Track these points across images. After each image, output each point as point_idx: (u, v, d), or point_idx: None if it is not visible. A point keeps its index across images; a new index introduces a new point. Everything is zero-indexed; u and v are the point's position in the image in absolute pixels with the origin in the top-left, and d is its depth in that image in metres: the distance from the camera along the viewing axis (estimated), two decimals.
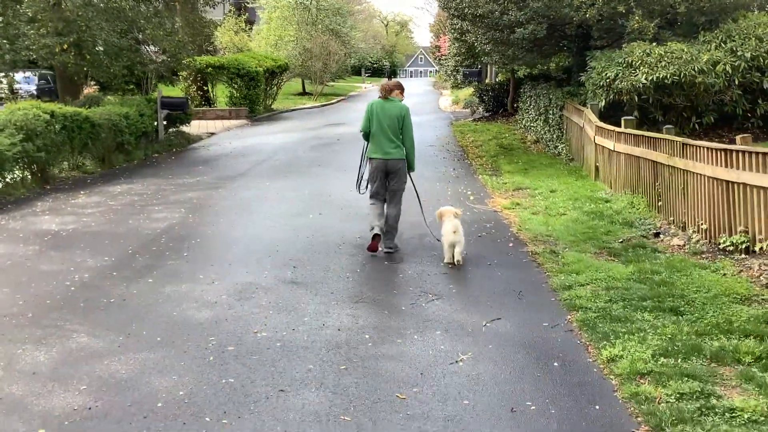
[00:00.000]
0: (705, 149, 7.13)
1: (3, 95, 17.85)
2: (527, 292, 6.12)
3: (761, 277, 5.93)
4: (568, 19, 14.12)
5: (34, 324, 5.38)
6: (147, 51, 18.29)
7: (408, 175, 7.64)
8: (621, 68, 11.70)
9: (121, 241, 7.93)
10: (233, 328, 5.26)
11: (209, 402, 4.11)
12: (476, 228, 8.46)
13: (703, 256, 6.85)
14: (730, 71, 11.35)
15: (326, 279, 6.52)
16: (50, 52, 15.29)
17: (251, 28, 40.03)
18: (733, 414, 3.80)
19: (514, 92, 22.89)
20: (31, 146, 11.22)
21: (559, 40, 16.43)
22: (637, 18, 12.64)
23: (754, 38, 11.68)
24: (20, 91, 23.09)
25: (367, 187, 7.67)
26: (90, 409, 4.04)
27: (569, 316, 5.47)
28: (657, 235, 7.87)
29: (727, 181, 6.66)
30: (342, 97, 38.43)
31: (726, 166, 6.66)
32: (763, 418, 3.74)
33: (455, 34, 24.47)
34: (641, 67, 11.42)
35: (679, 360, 4.48)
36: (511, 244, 7.74)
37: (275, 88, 29.81)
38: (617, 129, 10.14)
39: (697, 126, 11.99)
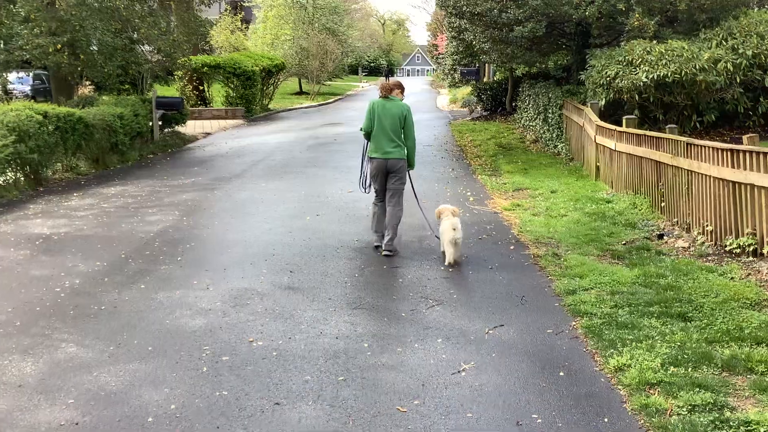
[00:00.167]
0: (711, 149, 6.97)
1: None
2: (530, 297, 5.96)
3: None
4: (567, 17, 13.98)
5: (22, 333, 5.21)
6: (142, 50, 18.10)
7: (407, 175, 7.62)
8: (621, 66, 11.55)
9: (113, 245, 7.75)
10: (228, 337, 5.09)
11: (202, 416, 3.94)
12: (476, 230, 8.30)
13: (709, 258, 6.70)
14: (732, 69, 11.20)
15: (324, 284, 6.36)
16: (44, 52, 15.10)
17: (247, 27, 39.82)
18: (749, 428, 3.64)
19: (512, 91, 22.75)
20: (24, 147, 11.04)
21: (558, 39, 16.29)
22: (637, 15, 12.49)
23: (755, 36, 11.52)
24: (15, 92, 22.91)
25: (370, 185, 7.63)
26: (77, 424, 3.87)
27: (574, 322, 5.31)
28: (661, 236, 7.71)
29: (734, 182, 6.51)
30: (339, 97, 38.26)
31: (733, 167, 6.50)
32: None
33: (453, 33, 24.33)
34: (642, 66, 11.27)
35: (690, 369, 4.33)
36: (512, 247, 7.58)
37: (272, 87, 29.64)
38: (618, 128, 9.99)
39: (698, 125, 11.84)
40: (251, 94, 25.25)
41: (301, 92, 38.00)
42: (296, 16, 38.65)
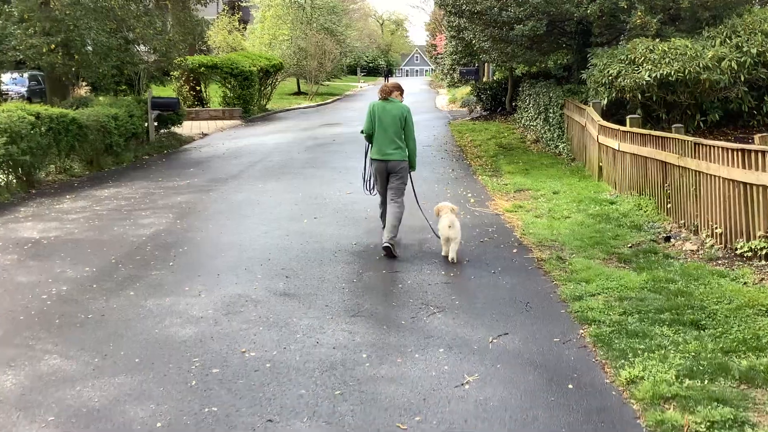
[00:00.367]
0: (720, 149, 6.74)
1: None
2: (534, 303, 5.73)
3: None
4: (568, 16, 13.76)
5: (5, 343, 4.98)
6: (137, 50, 17.86)
7: (408, 175, 7.67)
8: (623, 65, 11.32)
9: (104, 249, 7.52)
10: (219, 348, 4.85)
11: None
12: (478, 232, 8.07)
13: (719, 262, 6.47)
14: (736, 67, 10.97)
15: (321, 290, 6.13)
16: (37, 52, 14.86)
17: (245, 27, 39.59)
18: None
19: (512, 90, 22.52)
20: (16, 149, 10.80)
21: (558, 37, 16.06)
22: (639, 13, 12.27)
23: (760, 33, 11.29)
24: (10, 93, 22.68)
25: (373, 187, 7.71)
26: None
27: (581, 330, 5.08)
28: (668, 239, 7.49)
29: (745, 183, 6.28)
30: (338, 97, 38.02)
31: (744, 167, 6.28)
32: None
33: (452, 32, 24.12)
34: (644, 64, 11.05)
35: (706, 381, 4.10)
36: (515, 250, 7.35)
37: (270, 87, 29.41)
38: (622, 128, 9.77)
39: (701, 124, 11.62)
40: (249, 94, 25.01)
41: (299, 92, 37.77)
42: (294, 16, 38.42)
